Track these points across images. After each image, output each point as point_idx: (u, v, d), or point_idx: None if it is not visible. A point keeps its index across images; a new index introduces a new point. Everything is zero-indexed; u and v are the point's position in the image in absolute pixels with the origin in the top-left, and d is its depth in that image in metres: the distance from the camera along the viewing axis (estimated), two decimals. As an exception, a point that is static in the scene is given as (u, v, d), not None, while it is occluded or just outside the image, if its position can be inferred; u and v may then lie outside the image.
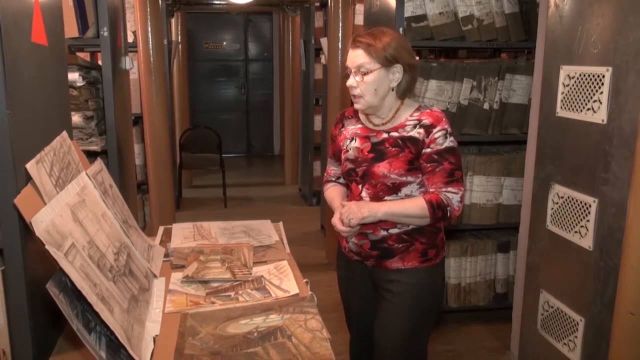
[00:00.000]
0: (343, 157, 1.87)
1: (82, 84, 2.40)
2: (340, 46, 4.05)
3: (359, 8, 4.48)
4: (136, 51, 3.95)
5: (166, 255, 1.95)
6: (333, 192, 1.96)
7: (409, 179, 1.76)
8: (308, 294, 1.64)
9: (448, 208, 1.73)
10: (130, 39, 3.84)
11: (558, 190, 1.97)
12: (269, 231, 2.20)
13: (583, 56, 1.82)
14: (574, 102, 1.87)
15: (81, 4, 2.51)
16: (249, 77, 9.09)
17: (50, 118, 1.58)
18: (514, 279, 3.04)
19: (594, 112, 1.77)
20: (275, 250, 2.01)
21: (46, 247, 1.20)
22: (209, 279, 1.73)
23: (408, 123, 1.76)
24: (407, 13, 2.81)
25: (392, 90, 1.76)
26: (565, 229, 1.93)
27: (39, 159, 1.37)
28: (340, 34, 4.07)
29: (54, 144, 1.51)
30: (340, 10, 4.03)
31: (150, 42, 3.94)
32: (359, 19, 4.52)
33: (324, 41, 4.47)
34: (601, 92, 1.74)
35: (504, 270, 3.18)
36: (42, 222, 1.25)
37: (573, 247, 1.89)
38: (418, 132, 1.73)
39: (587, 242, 1.82)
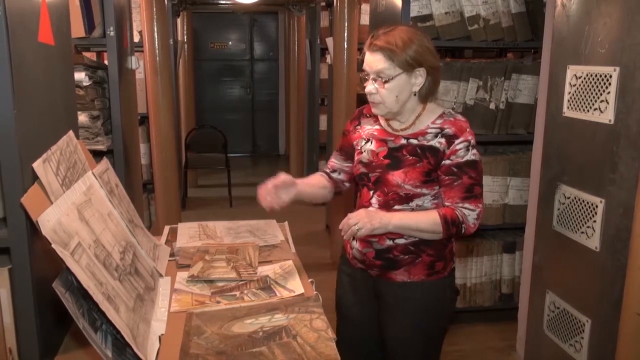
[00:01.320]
0: (356, 158, 1.79)
1: (88, 84, 2.41)
2: (345, 46, 4.04)
3: (365, 8, 4.49)
4: (142, 51, 3.96)
5: (172, 254, 1.95)
6: (307, 178, 1.91)
7: (424, 190, 1.67)
8: (313, 294, 1.64)
9: (463, 225, 1.63)
10: (136, 39, 3.86)
11: (564, 191, 1.96)
12: (274, 231, 2.20)
13: (590, 56, 1.82)
14: (580, 102, 1.86)
15: (88, 4, 2.52)
16: (255, 77, 9.10)
17: (57, 117, 1.59)
18: (520, 280, 3.03)
19: (601, 112, 1.76)
20: (280, 249, 2.01)
21: (52, 246, 1.20)
22: (215, 278, 1.73)
23: (429, 131, 1.66)
24: (413, 13, 2.81)
25: (415, 95, 1.64)
26: (572, 230, 1.92)
27: (45, 158, 1.38)
28: (346, 34, 4.07)
29: (60, 143, 1.51)
30: (346, 10, 4.02)
31: (156, 42, 3.95)
32: (365, 19, 4.52)
33: (329, 41, 4.47)
34: (608, 92, 1.73)
35: (510, 270, 3.17)
36: (49, 221, 1.25)
37: (579, 247, 1.88)
38: (439, 142, 1.64)
39: (593, 242, 1.81)
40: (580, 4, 1.86)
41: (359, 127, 1.83)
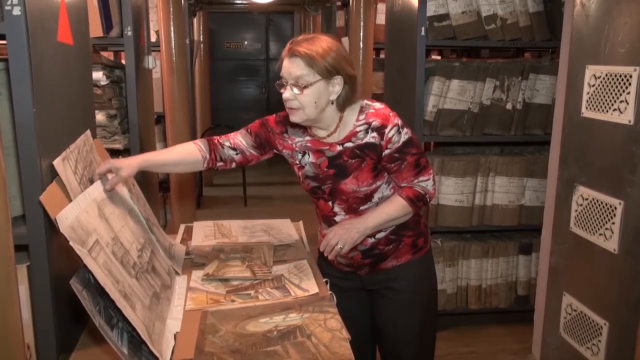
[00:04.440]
0: (300, 173, 1.79)
1: (105, 83, 2.43)
2: (361, 45, 4.04)
3: (381, 7, 4.47)
4: (159, 50, 4.00)
5: (187, 253, 1.97)
6: (169, 149, 1.81)
7: (378, 183, 1.72)
8: (327, 294, 1.64)
9: (426, 196, 1.74)
10: (153, 39, 3.89)
11: (582, 192, 1.94)
12: (289, 230, 2.20)
13: (610, 56, 1.79)
14: (599, 103, 1.84)
15: (105, 4, 2.54)
16: (270, 77, 9.13)
17: (75, 116, 1.61)
18: (536, 282, 3.00)
19: (621, 112, 1.74)
20: (295, 249, 2.01)
21: (70, 243, 1.21)
22: (229, 277, 1.74)
23: (358, 129, 1.68)
24: (430, 12, 2.79)
25: (332, 103, 1.65)
26: (590, 232, 1.90)
27: (64, 156, 1.39)
28: (361, 34, 4.07)
29: (78, 142, 1.53)
30: (362, 9, 4.02)
31: (173, 42, 3.98)
32: (381, 18, 4.51)
33: (345, 40, 4.46)
34: (628, 93, 1.71)
35: (526, 272, 3.14)
36: (67, 218, 1.26)
37: (597, 249, 1.86)
38: (373, 137, 1.66)
39: (612, 244, 1.79)
40: (600, 2, 1.84)
41: (286, 135, 1.80)
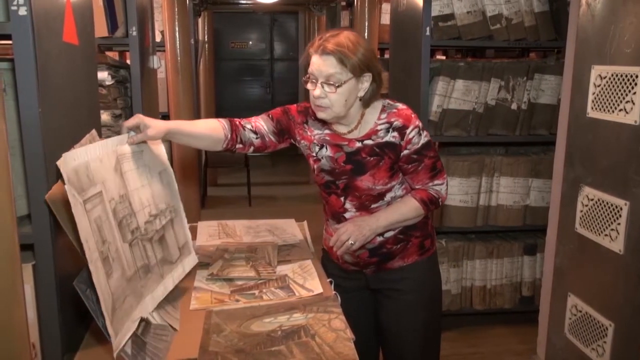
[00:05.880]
0: (315, 166, 1.78)
1: (111, 83, 2.44)
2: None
3: (385, 7, 4.47)
4: (164, 50, 4.01)
5: (191, 252, 1.97)
6: (198, 121, 1.75)
7: (392, 183, 1.73)
8: (332, 294, 1.64)
9: (439, 199, 1.76)
10: (158, 39, 3.90)
11: (588, 193, 1.93)
12: (293, 230, 2.20)
13: (615, 56, 1.78)
14: (605, 103, 1.83)
15: (111, 4, 2.55)
16: (275, 77, 9.14)
17: (80, 116, 1.61)
18: (541, 282, 3.00)
19: (626, 112, 1.73)
20: (299, 249, 2.01)
21: (66, 186, 1.17)
22: (234, 277, 1.74)
23: (379, 127, 1.68)
24: (434, 12, 2.79)
25: (359, 100, 1.66)
26: (595, 232, 1.89)
27: (69, 156, 1.39)
28: (366, 34, 4.06)
29: (83, 141, 1.53)
30: (366, 9, 4.02)
31: (178, 42, 3.99)
32: (385, 18, 4.50)
33: (349, 40, 4.46)
34: (634, 93, 1.70)
35: (531, 272, 3.14)
36: (74, 160, 1.23)
37: (603, 250, 1.85)
38: (393, 137, 1.67)
39: (617, 245, 1.78)
40: (606, 2, 1.83)
41: (306, 126, 1.80)
